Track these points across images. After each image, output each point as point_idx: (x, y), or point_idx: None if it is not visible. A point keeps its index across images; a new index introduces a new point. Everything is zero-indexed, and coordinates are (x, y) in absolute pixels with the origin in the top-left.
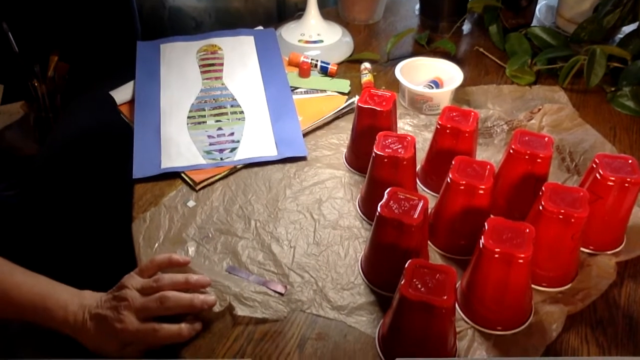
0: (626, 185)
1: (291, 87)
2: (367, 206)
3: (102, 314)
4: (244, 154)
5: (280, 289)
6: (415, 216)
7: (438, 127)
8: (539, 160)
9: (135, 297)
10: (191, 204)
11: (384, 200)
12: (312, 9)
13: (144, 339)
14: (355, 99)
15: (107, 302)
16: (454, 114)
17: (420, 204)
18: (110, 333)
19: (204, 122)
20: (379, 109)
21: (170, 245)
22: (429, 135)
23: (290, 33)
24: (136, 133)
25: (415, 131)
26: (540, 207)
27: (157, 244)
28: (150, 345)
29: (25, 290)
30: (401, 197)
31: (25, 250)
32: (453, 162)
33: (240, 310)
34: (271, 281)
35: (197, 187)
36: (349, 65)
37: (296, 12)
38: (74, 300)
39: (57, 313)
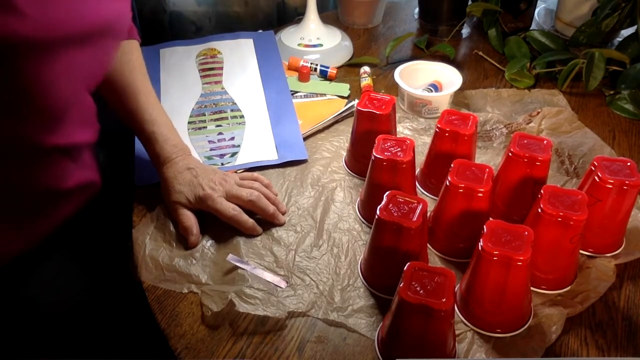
0: (625, 188)
1: (291, 91)
2: (367, 209)
3: (199, 171)
4: (244, 158)
5: (282, 284)
6: (414, 219)
7: (437, 130)
8: (537, 163)
9: (232, 182)
10: None
11: (383, 203)
12: (312, 13)
13: (223, 212)
14: (355, 102)
15: (209, 168)
16: (453, 117)
17: (419, 207)
18: (193, 189)
19: (204, 127)
20: (378, 112)
21: (172, 248)
22: (428, 139)
23: (290, 37)
24: (137, 140)
25: (415, 135)
26: (539, 210)
27: (160, 247)
28: (218, 214)
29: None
30: (400, 200)
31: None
32: (452, 165)
33: (242, 307)
34: (272, 274)
35: None
36: (349, 69)
37: (296, 16)
38: (180, 143)
39: (163, 143)
